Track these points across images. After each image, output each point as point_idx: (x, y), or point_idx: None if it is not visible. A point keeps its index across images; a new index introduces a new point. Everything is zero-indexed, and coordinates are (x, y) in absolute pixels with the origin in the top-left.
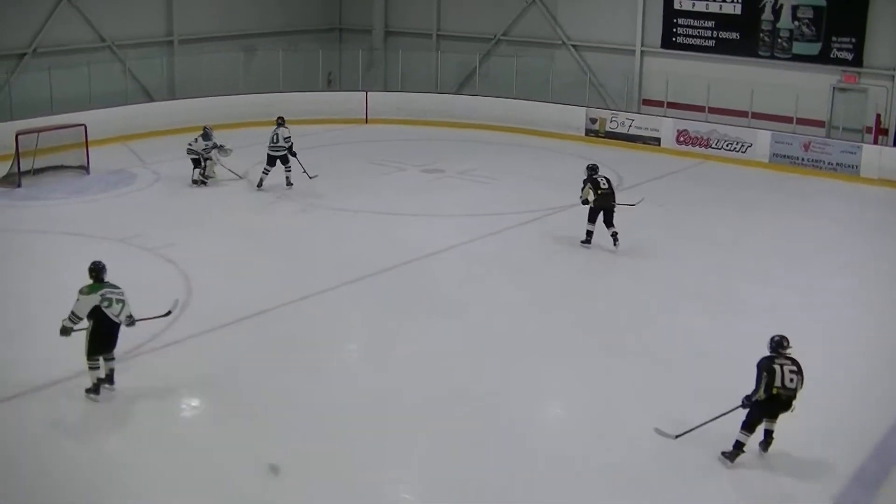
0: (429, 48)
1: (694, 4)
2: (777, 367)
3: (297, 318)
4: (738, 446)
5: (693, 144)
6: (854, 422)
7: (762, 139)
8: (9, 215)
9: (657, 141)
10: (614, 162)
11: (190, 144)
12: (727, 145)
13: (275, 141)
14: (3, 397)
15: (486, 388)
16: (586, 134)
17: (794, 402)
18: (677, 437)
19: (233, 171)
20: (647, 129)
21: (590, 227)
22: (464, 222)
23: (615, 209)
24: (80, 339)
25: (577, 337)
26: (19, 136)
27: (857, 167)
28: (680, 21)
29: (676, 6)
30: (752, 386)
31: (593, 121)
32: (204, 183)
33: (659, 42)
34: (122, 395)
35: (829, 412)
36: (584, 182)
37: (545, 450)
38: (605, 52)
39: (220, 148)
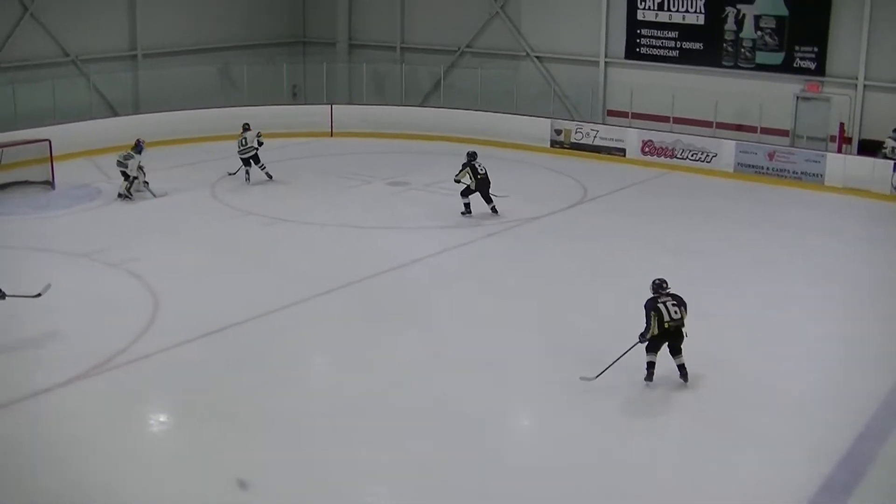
0: (393, 60)
1: (657, 15)
2: (661, 306)
3: (265, 330)
4: (650, 366)
5: (658, 155)
6: (823, 428)
7: (727, 149)
8: None
9: (622, 152)
10: (580, 173)
11: (119, 159)
12: (692, 155)
13: (242, 144)
14: None
15: (457, 397)
16: (551, 145)
17: (683, 330)
18: (597, 377)
19: (151, 192)
20: (612, 139)
21: (466, 202)
22: (430, 234)
23: (490, 190)
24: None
25: (541, 344)
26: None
27: (821, 176)
28: (643, 32)
29: (640, 17)
30: None
31: (558, 132)
32: (129, 197)
33: (623, 53)
34: (89, 411)
35: (799, 418)
36: (464, 166)
37: (515, 457)
38: (569, 63)
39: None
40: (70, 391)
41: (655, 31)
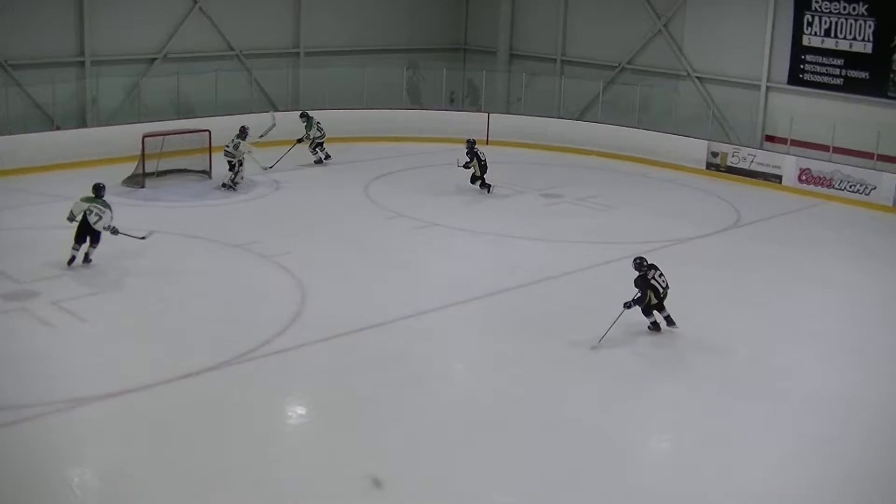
0: (552, 72)
1: (823, 41)
2: (653, 281)
3: (407, 333)
4: (655, 326)
5: (815, 184)
6: None
7: (887, 182)
8: (131, 215)
9: (778, 178)
10: (734, 197)
11: (228, 148)
12: (850, 186)
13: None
14: (112, 392)
15: (592, 414)
16: (707, 167)
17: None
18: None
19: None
20: (768, 165)
21: (475, 186)
22: (579, 249)
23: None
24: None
25: (699, 364)
26: (146, 139)
27: None
28: (808, 58)
29: (805, 42)
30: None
31: (714, 154)
32: (233, 188)
33: (786, 78)
34: (232, 398)
35: None
36: (471, 155)
37: (657, 484)
38: (729, 85)
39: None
40: (217, 376)
41: (820, 58)
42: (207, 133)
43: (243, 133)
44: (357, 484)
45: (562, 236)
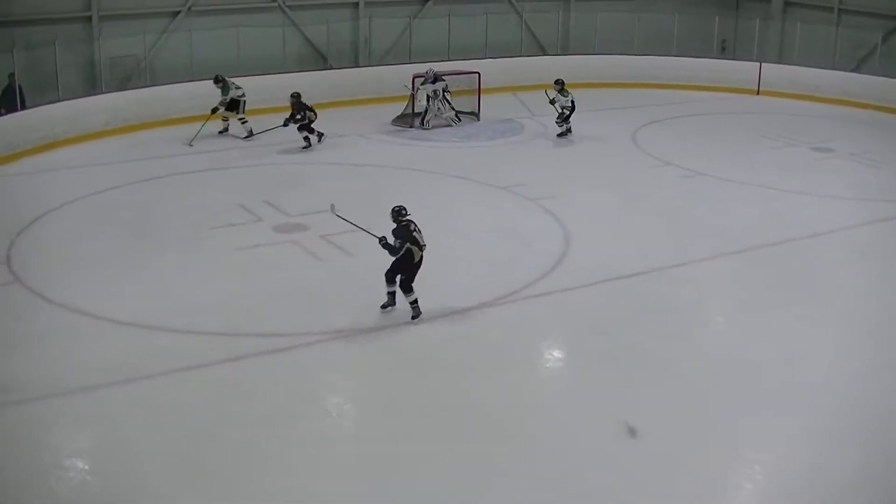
0: (829, 21)
1: None
2: (414, 233)
3: (668, 283)
4: (415, 304)
5: None
6: None
7: None
8: (400, 153)
9: None
10: None
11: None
12: None
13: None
14: (374, 327)
15: (855, 380)
16: None
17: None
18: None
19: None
20: None
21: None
22: (849, 206)
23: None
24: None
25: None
26: (415, 79)
27: None
28: None
29: None
30: None
31: None
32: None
33: None
34: (488, 341)
35: None
36: (562, 92)
37: None
38: None
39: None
40: (477, 316)
41: None
42: (477, 75)
43: (430, 77)
44: (611, 431)
45: (831, 192)
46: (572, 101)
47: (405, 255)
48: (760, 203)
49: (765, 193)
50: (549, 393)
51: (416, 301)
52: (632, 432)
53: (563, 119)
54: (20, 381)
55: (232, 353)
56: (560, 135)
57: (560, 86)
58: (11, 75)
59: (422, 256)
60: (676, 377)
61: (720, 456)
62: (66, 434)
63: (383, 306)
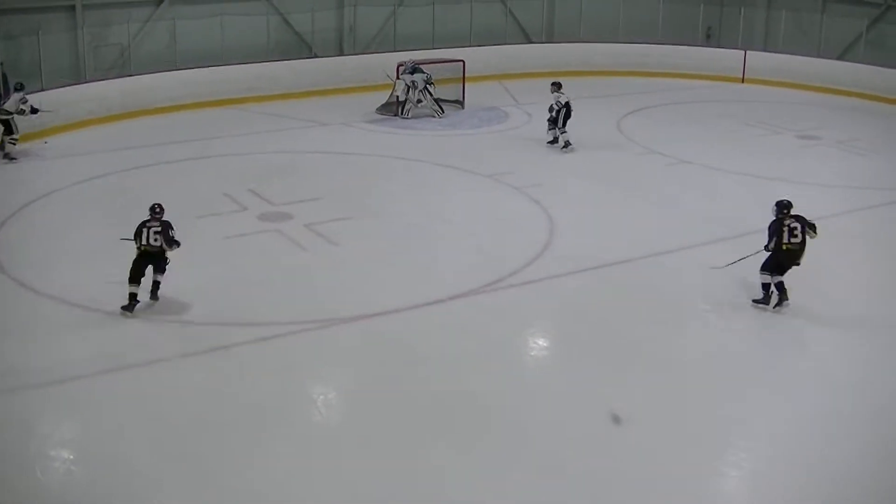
0: (814, 9)
1: None
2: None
3: (654, 270)
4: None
5: None
6: None
7: None
8: (385, 142)
9: None
10: None
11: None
12: None
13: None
14: (359, 315)
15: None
16: None
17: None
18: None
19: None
20: None
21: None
22: (836, 193)
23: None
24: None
25: None
26: (399, 67)
27: None
28: None
29: None
30: None
31: None
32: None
33: None
34: (475, 326)
35: None
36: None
37: None
38: None
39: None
40: (463, 304)
41: None
42: (461, 63)
43: (408, 68)
44: (596, 418)
45: (817, 179)
46: (566, 102)
47: None
48: (746, 190)
49: (750, 181)
50: (537, 381)
51: None
52: (617, 420)
53: (553, 122)
54: (8, 371)
55: (218, 341)
56: (550, 142)
57: (556, 87)
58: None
59: None
60: (663, 365)
61: (706, 444)
62: (54, 423)
63: None
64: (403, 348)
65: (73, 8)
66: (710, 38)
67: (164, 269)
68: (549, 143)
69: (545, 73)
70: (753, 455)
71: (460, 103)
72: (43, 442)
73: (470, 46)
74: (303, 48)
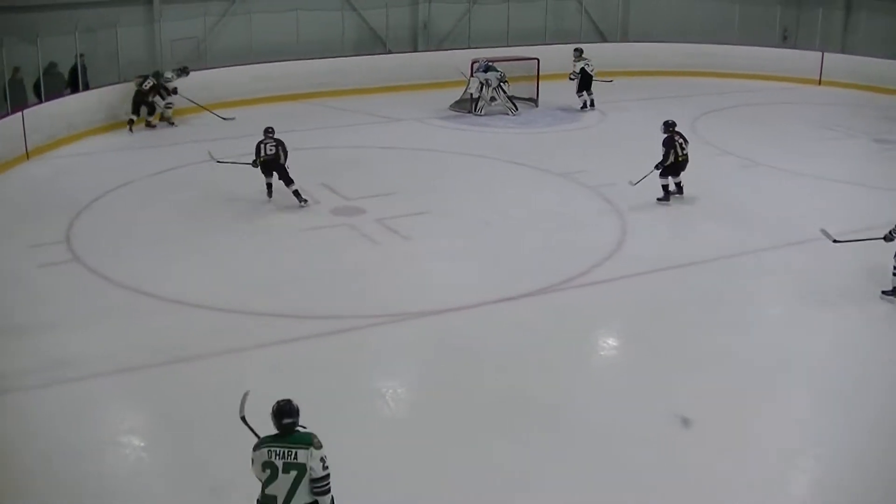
0: (893, 11)
1: None
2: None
3: (727, 273)
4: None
5: None
6: None
7: None
8: (457, 138)
9: None
10: None
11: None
12: None
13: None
14: (427, 311)
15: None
16: None
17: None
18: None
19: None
20: None
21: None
22: None
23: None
24: None
25: None
26: (473, 65)
27: None
28: None
29: None
30: None
31: None
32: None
33: None
34: (541, 324)
35: None
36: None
37: None
38: None
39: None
40: (533, 303)
41: None
42: (536, 61)
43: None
44: (664, 420)
45: (891, 184)
46: (582, 69)
47: None
48: (820, 194)
49: (826, 185)
50: (602, 382)
51: None
52: (685, 423)
53: (578, 90)
54: (78, 358)
55: (287, 334)
56: (582, 108)
57: (576, 55)
58: (81, 56)
59: None
60: (731, 369)
61: (775, 448)
62: (123, 411)
63: None
64: (472, 345)
65: (150, 1)
66: (786, 40)
67: (291, 179)
68: (580, 109)
69: (620, 73)
70: (822, 463)
71: (534, 101)
72: (113, 429)
73: (545, 44)
74: (377, 44)
